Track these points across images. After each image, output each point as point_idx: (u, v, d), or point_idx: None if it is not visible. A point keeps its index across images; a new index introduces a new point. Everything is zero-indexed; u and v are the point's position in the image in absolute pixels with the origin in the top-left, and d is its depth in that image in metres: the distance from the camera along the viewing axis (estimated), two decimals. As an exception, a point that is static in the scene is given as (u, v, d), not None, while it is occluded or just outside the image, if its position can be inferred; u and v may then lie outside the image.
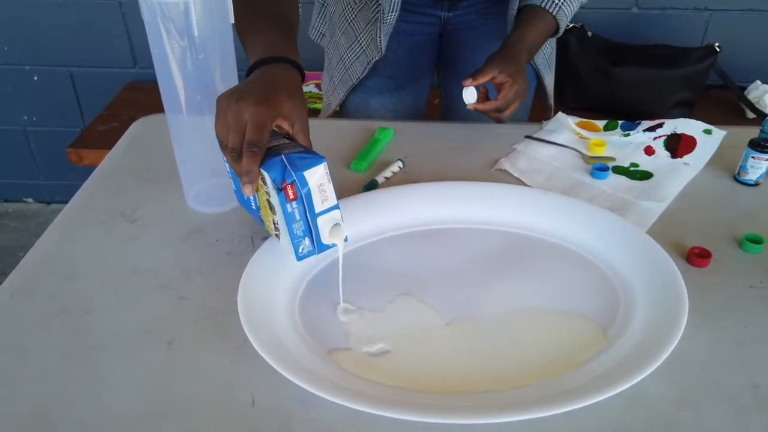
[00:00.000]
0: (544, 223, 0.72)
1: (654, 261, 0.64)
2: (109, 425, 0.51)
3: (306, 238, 0.60)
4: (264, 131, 0.58)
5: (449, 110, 1.09)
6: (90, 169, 0.84)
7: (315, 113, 1.17)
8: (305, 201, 0.57)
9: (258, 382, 0.54)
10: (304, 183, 0.57)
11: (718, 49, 1.57)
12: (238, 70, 0.69)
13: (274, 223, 0.61)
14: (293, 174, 0.56)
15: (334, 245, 0.61)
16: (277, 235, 0.62)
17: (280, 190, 0.56)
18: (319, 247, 0.61)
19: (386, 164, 0.84)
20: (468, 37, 1.01)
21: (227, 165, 0.64)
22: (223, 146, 0.60)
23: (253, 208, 0.66)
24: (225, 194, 0.76)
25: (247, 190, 0.58)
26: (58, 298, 0.63)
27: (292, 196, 0.57)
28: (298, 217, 0.58)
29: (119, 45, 1.80)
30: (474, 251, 0.70)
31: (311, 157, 0.58)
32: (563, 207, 0.73)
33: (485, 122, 0.89)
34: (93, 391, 0.54)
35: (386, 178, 0.82)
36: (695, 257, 0.67)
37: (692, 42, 1.66)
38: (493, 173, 0.83)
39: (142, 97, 1.74)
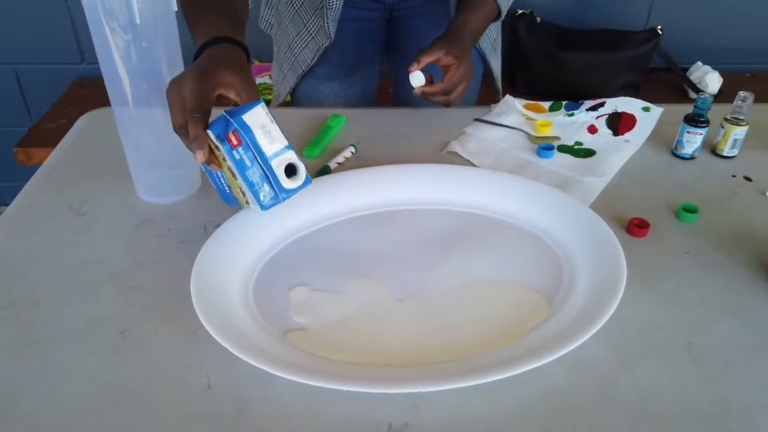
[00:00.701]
0: (492, 201, 0.74)
1: (595, 233, 0.67)
2: (64, 415, 0.51)
3: (264, 184, 0.59)
4: (203, 99, 0.58)
5: (400, 96, 1.11)
6: (39, 167, 0.83)
7: (268, 104, 1.17)
8: (251, 145, 0.57)
9: (213, 366, 0.54)
10: (245, 126, 0.56)
11: (660, 32, 1.63)
12: (184, 58, 0.69)
13: (240, 190, 0.61)
14: (234, 122, 0.56)
15: (297, 189, 0.61)
16: (247, 202, 0.62)
17: (224, 140, 0.56)
18: (281, 191, 0.60)
19: (339, 150, 0.84)
20: (414, 23, 1.02)
21: (203, 167, 0.63)
22: (175, 129, 0.60)
23: (227, 192, 0.65)
24: (176, 184, 0.76)
25: (199, 156, 0.58)
26: (4, 294, 0.62)
27: (236, 143, 0.56)
28: (248, 163, 0.57)
29: (66, 40, 1.75)
30: (426, 231, 0.71)
31: (250, 104, 0.58)
32: (510, 186, 0.75)
33: (435, 107, 0.91)
34: (46, 381, 0.53)
35: (339, 163, 0.83)
36: (635, 228, 0.70)
37: (636, 26, 1.71)
38: (443, 156, 0.85)
39: (91, 93, 1.70)
